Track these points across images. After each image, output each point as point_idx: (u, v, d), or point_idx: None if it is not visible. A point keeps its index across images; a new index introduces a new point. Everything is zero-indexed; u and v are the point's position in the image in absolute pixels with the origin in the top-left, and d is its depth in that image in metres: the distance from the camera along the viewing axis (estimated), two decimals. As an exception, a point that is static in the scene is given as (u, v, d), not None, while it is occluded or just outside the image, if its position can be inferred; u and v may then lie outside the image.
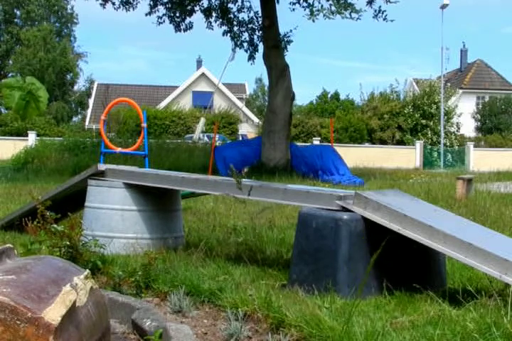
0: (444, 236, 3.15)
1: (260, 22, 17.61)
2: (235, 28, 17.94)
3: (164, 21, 17.88)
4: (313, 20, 14.51)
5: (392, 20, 16.17)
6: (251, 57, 17.86)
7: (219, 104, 38.14)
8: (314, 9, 14.65)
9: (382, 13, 16.23)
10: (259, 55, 17.85)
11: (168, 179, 4.42)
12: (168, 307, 3.18)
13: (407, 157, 30.22)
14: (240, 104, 41.55)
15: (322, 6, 14.75)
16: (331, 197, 3.54)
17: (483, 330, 2.52)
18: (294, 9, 17.05)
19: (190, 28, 18.11)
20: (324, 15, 14.46)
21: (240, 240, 4.58)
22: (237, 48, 17.92)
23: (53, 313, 1.75)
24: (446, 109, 33.82)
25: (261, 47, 17.70)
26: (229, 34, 17.90)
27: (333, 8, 14.37)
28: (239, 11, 17.98)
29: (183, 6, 17.54)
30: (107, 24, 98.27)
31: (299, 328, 2.64)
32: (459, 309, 2.92)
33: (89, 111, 43.55)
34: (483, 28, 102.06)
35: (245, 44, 17.95)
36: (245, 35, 18.01)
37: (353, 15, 14.58)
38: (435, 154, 31.67)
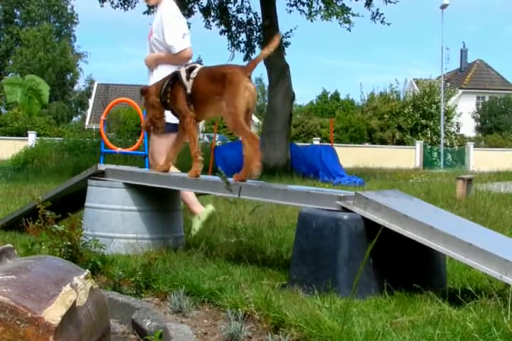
0: (444, 237, 3.15)
1: (259, 23, 17.64)
2: (233, 28, 17.97)
3: None
4: (312, 20, 14.60)
5: (389, 24, 16.18)
6: (247, 58, 17.89)
7: (219, 104, 38.08)
8: (312, 10, 14.74)
9: (380, 15, 16.27)
10: (255, 56, 17.88)
11: (168, 179, 4.42)
12: (168, 307, 3.18)
13: (407, 157, 30.24)
14: (240, 104, 41.47)
15: (320, 7, 14.83)
16: (331, 197, 3.54)
17: (483, 330, 2.52)
18: (290, 11, 17.10)
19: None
20: (322, 17, 14.55)
21: (232, 241, 4.58)
22: (233, 48, 17.96)
23: (53, 313, 1.76)
24: (446, 109, 33.84)
25: (258, 48, 17.76)
26: (226, 33, 17.92)
27: (329, 10, 14.46)
28: (238, 11, 18.00)
29: (182, 5, 17.54)
30: (107, 24, 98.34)
31: (298, 328, 2.64)
32: (459, 309, 2.92)
33: (89, 111, 43.58)
34: (483, 28, 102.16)
35: (242, 44, 17.97)
36: (243, 36, 18.05)
37: (346, 25, 14.66)
38: (435, 154, 31.69)
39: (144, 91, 4.51)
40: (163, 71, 4.96)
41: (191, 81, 4.26)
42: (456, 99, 39.55)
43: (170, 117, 4.57)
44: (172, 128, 4.70)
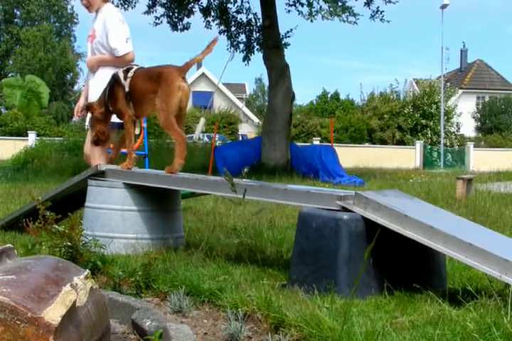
0: (444, 237, 3.15)
1: (258, 24, 17.62)
2: (233, 29, 17.95)
3: (162, 22, 17.87)
4: (312, 21, 14.58)
5: (388, 21, 16.19)
6: (246, 58, 17.87)
7: (219, 104, 38.14)
8: (313, 10, 14.71)
9: (381, 13, 16.26)
10: (254, 56, 17.92)
11: (169, 179, 4.42)
12: (168, 307, 3.18)
13: (407, 157, 30.22)
14: (240, 104, 41.55)
15: (321, 7, 14.80)
16: (331, 197, 3.54)
17: (483, 330, 2.52)
18: (289, 11, 17.07)
19: (188, 28, 18.10)
20: (323, 17, 14.53)
21: (236, 241, 4.59)
22: (232, 48, 17.94)
23: (53, 313, 1.75)
24: (446, 109, 33.82)
25: (257, 48, 17.74)
26: (225, 33, 17.91)
27: (331, 9, 14.43)
28: (238, 12, 17.98)
29: (183, 5, 17.52)
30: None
31: (299, 328, 2.64)
32: (459, 309, 2.92)
33: (89, 111, 43.43)
34: (483, 28, 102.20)
35: (241, 45, 17.96)
36: (242, 37, 18.03)
37: (350, 18, 14.65)
38: (435, 154, 31.68)
39: (89, 106, 4.93)
40: (104, 73, 5.21)
41: (129, 80, 4.61)
42: (456, 99, 39.54)
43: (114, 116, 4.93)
44: (115, 126, 5.13)
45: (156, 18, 17.80)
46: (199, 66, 46.73)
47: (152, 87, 4.46)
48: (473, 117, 40.64)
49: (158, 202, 4.64)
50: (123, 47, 5.25)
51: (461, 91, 42.91)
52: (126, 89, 4.62)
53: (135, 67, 4.71)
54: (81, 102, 5.70)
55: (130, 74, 4.62)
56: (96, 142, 4.99)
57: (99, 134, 4.91)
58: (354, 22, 14.77)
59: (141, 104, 4.60)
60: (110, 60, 5.30)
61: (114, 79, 4.71)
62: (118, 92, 4.66)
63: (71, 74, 49.50)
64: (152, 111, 4.72)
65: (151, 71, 4.60)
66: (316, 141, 29.10)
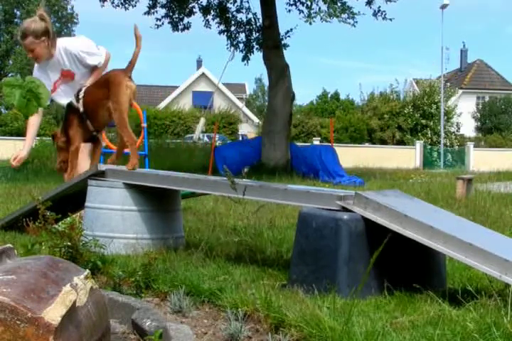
0: (444, 237, 3.15)
1: (258, 24, 17.63)
2: (232, 28, 17.96)
3: (163, 24, 17.88)
4: (310, 23, 14.60)
5: (391, 19, 16.23)
6: (245, 58, 17.88)
7: (219, 104, 38.14)
8: (312, 12, 14.73)
9: (382, 13, 16.30)
10: (254, 56, 17.95)
11: (169, 179, 4.42)
12: (168, 307, 3.17)
13: (407, 157, 30.23)
14: (240, 104, 41.55)
15: (320, 8, 14.82)
16: (331, 197, 3.54)
17: (483, 330, 2.51)
18: (290, 10, 17.08)
19: (188, 27, 18.12)
20: (321, 19, 14.54)
21: (236, 240, 4.58)
22: (232, 48, 17.97)
23: (53, 313, 1.75)
24: (446, 109, 33.83)
25: (256, 48, 17.76)
26: (225, 33, 17.92)
27: (330, 10, 14.45)
28: (237, 11, 17.99)
29: (183, 5, 17.53)
30: (106, 24, 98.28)
31: (299, 328, 2.63)
32: (459, 309, 2.92)
33: (89, 111, 43.41)
34: (483, 28, 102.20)
35: (241, 45, 17.97)
36: (242, 36, 18.04)
37: (349, 21, 14.68)
38: (435, 154, 31.69)
39: (54, 135, 5.13)
40: None
41: (81, 101, 4.86)
42: (456, 99, 39.55)
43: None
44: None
45: (157, 19, 17.81)
46: (199, 66, 46.74)
47: (103, 94, 4.67)
48: (473, 117, 40.65)
49: (158, 202, 4.64)
50: (101, 57, 5.29)
51: (461, 91, 42.93)
52: (81, 109, 4.84)
53: (84, 88, 4.93)
54: (23, 153, 5.11)
55: (80, 95, 4.88)
56: (59, 169, 5.15)
57: (62, 163, 5.08)
58: (352, 24, 14.79)
59: (97, 113, 4.80)
60: (98, 74, 5.33)
61: (69, 106, 4.92)
62: (73, 119, 4.88)
63: (71, 74, 49.50)
64: (110, 119, 4.87)
65: (98, 81, 4.87)
66: (316, 141, 29.10)
